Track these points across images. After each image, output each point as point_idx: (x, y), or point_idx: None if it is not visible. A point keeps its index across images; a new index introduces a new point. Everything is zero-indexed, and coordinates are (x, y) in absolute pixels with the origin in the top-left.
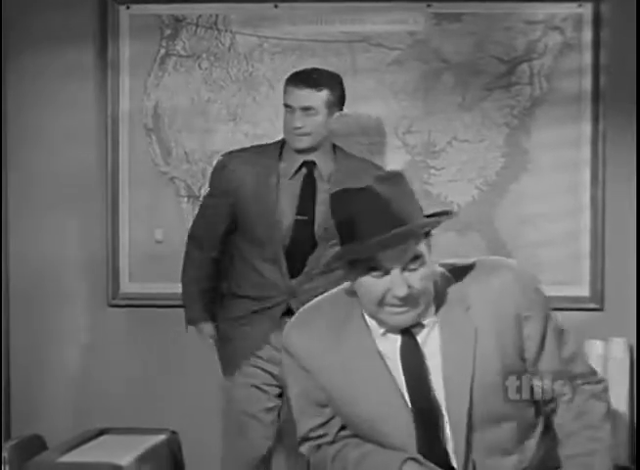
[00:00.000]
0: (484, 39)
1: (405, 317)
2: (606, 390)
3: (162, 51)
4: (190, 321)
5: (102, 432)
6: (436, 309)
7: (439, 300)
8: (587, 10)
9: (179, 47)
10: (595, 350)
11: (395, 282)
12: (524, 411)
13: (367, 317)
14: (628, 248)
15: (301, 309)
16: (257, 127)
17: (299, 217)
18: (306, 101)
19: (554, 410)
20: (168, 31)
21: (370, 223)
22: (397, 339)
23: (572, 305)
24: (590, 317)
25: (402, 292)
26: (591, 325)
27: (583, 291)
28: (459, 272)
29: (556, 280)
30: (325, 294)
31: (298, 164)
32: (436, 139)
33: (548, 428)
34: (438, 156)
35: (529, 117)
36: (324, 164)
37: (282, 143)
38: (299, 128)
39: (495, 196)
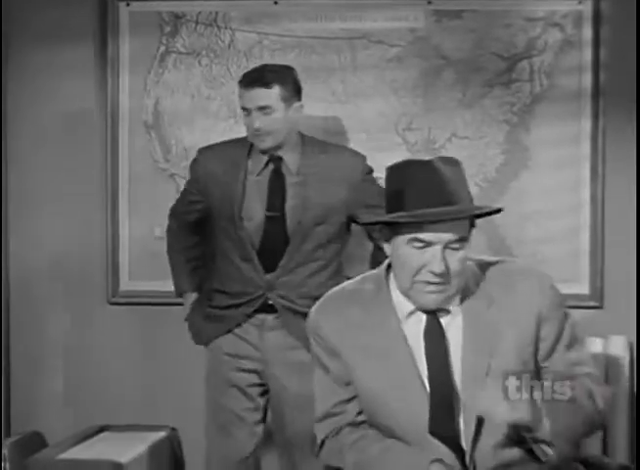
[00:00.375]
0: (485, 36)
1: (435, 297)
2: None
3: (162, 48)
4: (178, 292)
5: (102, 429)
6: (461, 300)
7: (465, 291)
8: (587, 7)
9: (179, 44)
10: (595, 347)
11: (435, 257)
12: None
13: (394, 300)
14: (628, 245)
15: (328, 293)
16: None
17: (270, 214)
18: (260, 100)
19: None
20: (168, 28)
21: (423, 195)
22: (422, 321)
23: (572, 302)
24: (590, 315)
25: (439, 268)
26: (591, 323)
27: (583, 289)
28: (486, 268)
29: (556, 278)
30: (351, 279)
31: (265, 160)
32: (436, 136)
33: None
34: (438, 152)
35: (529, 113)
36: (291, 158)
37: None
38: (259, 129)
39: (495, 193)
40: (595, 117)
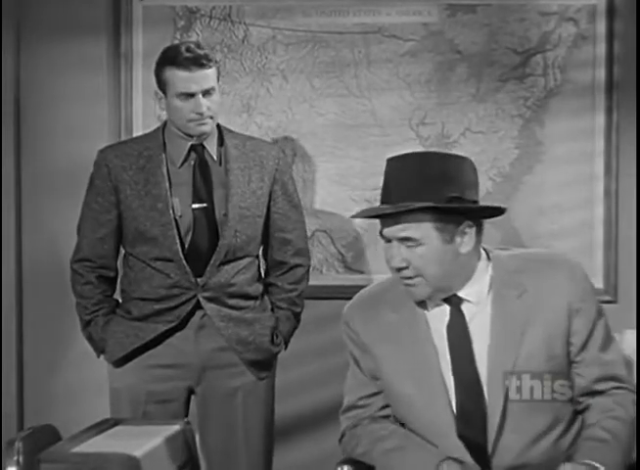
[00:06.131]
0: (498, 31)
1: (414, 290)
2: (634, 402)
3: (176, 43)
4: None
5: (116, 422)
6: (489, 290)
7: (493, 281)
8: (601, 1)
9: (193, 39)
10: None
11: (392, 252)
12: (560, 405)
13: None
14: None
15: (361, 292)
16: (271, 119)
17: (198, 206)
18: (206, 82)
19: (587, 408)
20: (182, 23)
21: (391, 189)
22: (446, 314)
23: None
24: (604, 310)
25: (395, 263)
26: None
27: (597, 283)
28: (515, 259)
29: None
30: (383, 281)
31: (186, 149)
32: (450, 130)
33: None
34: (452, 147)
35: (543, 108)
36: (212, 146)
37: (162, 130)
38: (204, 114)
39: (509, 187)
40: (609, 111)
